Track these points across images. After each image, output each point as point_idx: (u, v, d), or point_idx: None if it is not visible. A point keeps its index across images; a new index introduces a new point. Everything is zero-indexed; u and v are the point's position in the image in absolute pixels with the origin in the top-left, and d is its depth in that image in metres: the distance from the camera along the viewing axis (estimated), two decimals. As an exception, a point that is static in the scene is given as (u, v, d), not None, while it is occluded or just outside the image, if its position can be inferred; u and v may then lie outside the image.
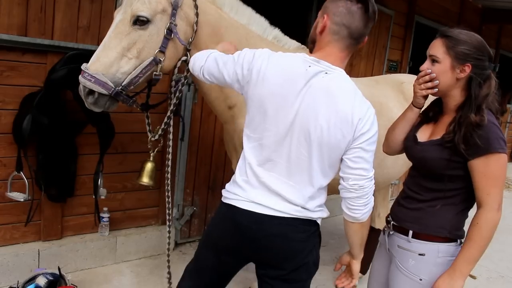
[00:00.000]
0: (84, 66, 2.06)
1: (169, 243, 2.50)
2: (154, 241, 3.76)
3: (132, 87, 2.13)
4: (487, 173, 1.69)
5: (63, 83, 2.74)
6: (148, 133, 2.46)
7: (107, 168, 3.26)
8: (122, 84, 2.09)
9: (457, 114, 1.79)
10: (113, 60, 2.06)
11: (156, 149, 2.52)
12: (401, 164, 3.15)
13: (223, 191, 1.84)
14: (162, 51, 2.13)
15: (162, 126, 2.41)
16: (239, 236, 1.73)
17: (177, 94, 2.34)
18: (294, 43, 2.59)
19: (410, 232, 1.88)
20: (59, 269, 2.92)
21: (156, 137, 2.44)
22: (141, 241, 3.69)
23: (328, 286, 3.65)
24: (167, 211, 2.48)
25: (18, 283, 2.75)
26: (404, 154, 3.13)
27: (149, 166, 2.56)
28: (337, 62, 1.66)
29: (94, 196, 3.19)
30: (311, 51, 1.76)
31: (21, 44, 2.81)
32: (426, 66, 1.83)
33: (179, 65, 2.30)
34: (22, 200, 2.91)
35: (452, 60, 1.75)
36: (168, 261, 2.54)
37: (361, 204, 1.65)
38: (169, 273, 2.52)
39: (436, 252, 1.83)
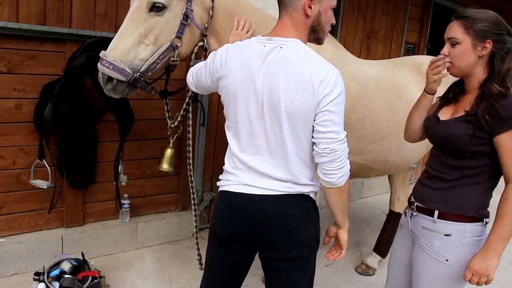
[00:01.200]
0: (102, 53, 2.08)
1: (196, 227, 2.62)
2: (174, 226, 3.81)
3: (150, 73, 2.15)
4: None
5: (82, 71, 2.76)
6: (168, 120, 2.48)
7: (126, 155, 3.30)
8: (140, 71, 2.11)
9: (480, 90, 1.79)
10: (131, 47, 2.07)
11: (175, 136, 2.53)
12: (421, 146, 3.11)
13: (218, 183, 1.88)
14: (178, 36, 2.13)
15: (181, 112, 2.43)
16: (236, 220, 1.76)
17: None
18: None
19: (436, 213, 1.87)
20: (82, 254, 2.98)
21: (176, 123, 2.46)
22: (161, 227, 3.74)
23: (348, 270, 3.66)
24: (192, 196, 2.54)
25: (44, 268, 2.81)
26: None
27: (168, 152, 2.58)
28: (289, 32, 1.67)
29: (115, 183, 3.23)
30: None
31: (40, 33, 2.83)
32: (446, 50, 1.84)
33: (196, 51, 2.30)
34: (45, 187, 2.96)
35: (472, 39, 1.76)
36: (197, 243, 2.66)
37: (335, 168, 1.62)
38: (199, 255, 2.61)
39: (463, 232, 1.81)
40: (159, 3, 2.06)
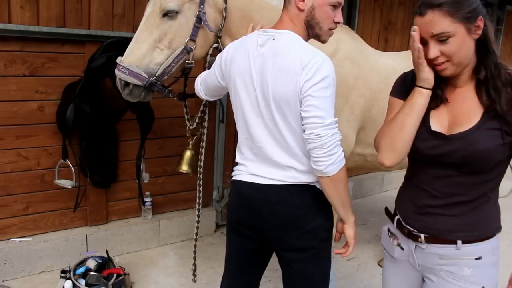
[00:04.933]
0: (119, 59, 2.12)
1: (197, 227, 2.64)
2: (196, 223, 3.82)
3: (165, 76, 2.18)
4: None
5: (102, 71, 2.79)
6: (187, 122, 2.50)
7: (147, 153, 3.32)
8: (156, 75, 2.14)
9: (476, 80, 1.49)
10: (146, 52, 2.11)
11: (194, 137, 2.55)
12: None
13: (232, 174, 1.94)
14: (192, 39, 2.16)
15: (199, 114, 2.45)
16: (246, 208, 1.80)
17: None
18: None
19: (459, 241, 1.54)
20: (107, 252, 3.03)
21: (194, 125, 2.48)
22: (183, 224, 3.77)
23: (370, 264, 3.64)
24: (198, 194, 2.58)
25: (70, 266, 2.86)
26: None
27: (188, 154, 2.60)
28: (284, 25, 1.72)
29: (137, 181, 3.27)
30: None
31: (60, 35, 2.88)
32: (436, 50, 1.43)
33: (211, 52, 2.32)
34: (70, 187, 3.01)
35: (465, 25, 1.41)
36: (195, 246, 2.65)
37: (323, 155, 1.54)
38: (194, 260, 2.66)
39: (491, 249, 1.55)
40: (172, 10, 2.09)
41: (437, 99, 1.53)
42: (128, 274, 3.04)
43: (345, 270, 3.50)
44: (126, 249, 3.50)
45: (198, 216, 2.60)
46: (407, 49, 5.18)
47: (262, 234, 1.82)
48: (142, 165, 3.18)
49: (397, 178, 5.54)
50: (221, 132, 3.80)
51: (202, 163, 2.56)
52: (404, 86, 1.62)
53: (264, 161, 1.75)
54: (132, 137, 3.31)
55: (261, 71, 1.66)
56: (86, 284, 2.75)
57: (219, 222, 4.08)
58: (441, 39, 1.41)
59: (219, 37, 2.25)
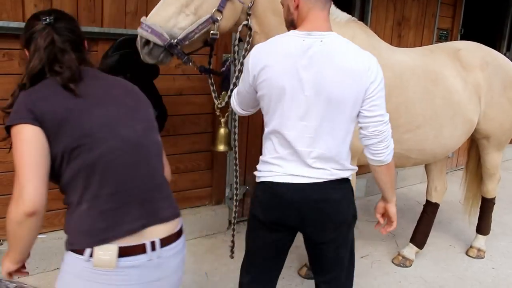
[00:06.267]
0: (143, 18, 2.11)
1: (235, 213, 2.76)
2: (209, 220, 3.83)
3: (187, 42, 2.15)
4: None
5: (115, 69, 2.77)
6: (214, 100, 2.48)
7: (160, 150, 3.32)
8: (178, 38, 2.12)
9: None
10: (171, 15, 2.10)
11: (226, 114, 2.53)
12: (459, 134, 3.04)
13: (255, 173, 1.92)
14: (220, 10, 2.14)
15: (228, 93, 2.41)
16: (284, 208, 1.81)
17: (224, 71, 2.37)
18: (345, 16, 2.55)
19: None
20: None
21: (223, 104, 2.46)
22: (196, 221, 3.77)
23: (384, 261, 3.61)
24: (235, 180, 2.59)
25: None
26: (463, 124, 3.03)
27: (222, 132, 2.60)
28: (324, 25, 1.74)
29: (150, 178, 3.26)
30: None
31: (74, 33, 2.88)
32: None
33: (241, 29, 2.28)
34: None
35: None
36: (233, 229, 2.79)
37: (383, 147, 1.78)
38: (232, 241, 2.77)
39: None
40: None
41: None
42: (142, 271, 3.04)
43: (359, 267, 3.44)
44: (139, 246, 3.50)
45: (236, 200, 2.66)
46: (421, 45, 5.14)
47: (300, 230, 1.89)
48: (155, 162, 3.17)
49: (411, 174, 5.51)
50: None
51: (236, 137, 2.53)
52: None
53: (304, 161, 1.76)
54: (145, 134, 3.31)
55: (315, 73, 1.67)
56: None
57: (231, 219, 4.06)
58: None
59: (249, 15, 2.23)
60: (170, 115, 3.22)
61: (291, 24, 1.83)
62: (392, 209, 1.98)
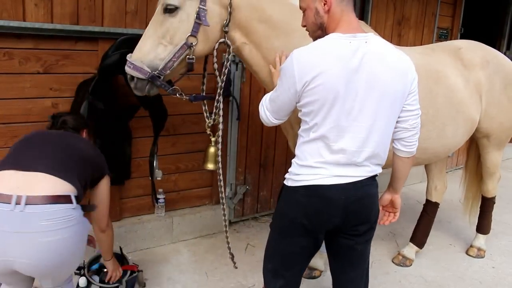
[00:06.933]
0: (128, 56, 2.22)
1: (225, 220, 2.63)
2: (209, 220, 3.83)
3: (168, 71, 2.22)
4: None
5: (116, 68, 2.78)
6: (206, 119, 2.51)
7: (160, 150, 3.32)
8: (158, 69, 2.20)
9: None
10: (150, 48, 2.19)
11: (216, 133, 2.55)
12: (461, 133, 3.03)
13: (291, 176, 1.91)
14: (193, 35, 2.18)
15: (214, 110, 2.45)
16: (331, 210, 1.85)
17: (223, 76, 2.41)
18: None
19: None
20: (120, 249, 3.03)
21: (212, 122, 2.49)
22: (196, 221, 3.77)
23: (384, 261, 3.61)
24: (220, 189, 2.59)
25: (84, 262, 2.87)
26: (465, 123, 3.02)
27: (212, 151, 2.60)
28: (359, 27, 1.81)
29: (150, 178, 3.27)
30: (319, 37, 1.83)
31: (74, 33, 2.88)
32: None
33: (217, 47, 2.31)
34: (84, 183, 3.02)
35: None
36: (227, 237, 2.69)
37: (416, 139, 1.94)
38: (231, 253, 2.71)
39: None
40: (171, 4, 2.15)
41: None
42: (142, 270, 3.04)
43: (359, 267, 3.46)
44: (139, 246, 3.51)
45: (223, 204, 2.63)
46: (421, 44, 5.14)
47: (339, 229, 1.93)
48: (155, 162, 3.18)
49: (410, 174, 5.46)
50: (233, 129, 3.79)
51: (220, 158, 2.55)
52: None
53: (351, 161, 1.81)
54: (145, 134, 3.31)
55: (368, 73, 1.72)
56: (100, 281, 2.76)
57: (231, 219, 4.07)
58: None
59: (226, 32, 2.26)
60: (170, 115, 3.23)
61: (319, 28, 1.84)
62: (399, 200, 2.15)
